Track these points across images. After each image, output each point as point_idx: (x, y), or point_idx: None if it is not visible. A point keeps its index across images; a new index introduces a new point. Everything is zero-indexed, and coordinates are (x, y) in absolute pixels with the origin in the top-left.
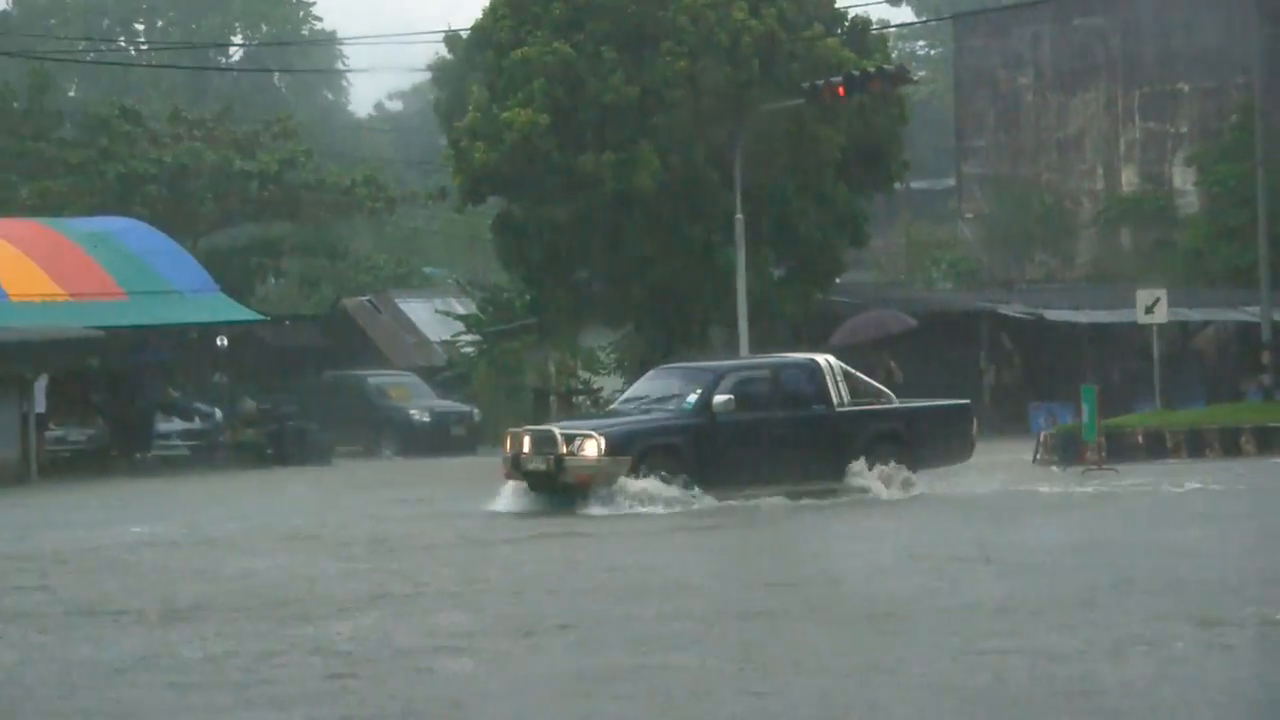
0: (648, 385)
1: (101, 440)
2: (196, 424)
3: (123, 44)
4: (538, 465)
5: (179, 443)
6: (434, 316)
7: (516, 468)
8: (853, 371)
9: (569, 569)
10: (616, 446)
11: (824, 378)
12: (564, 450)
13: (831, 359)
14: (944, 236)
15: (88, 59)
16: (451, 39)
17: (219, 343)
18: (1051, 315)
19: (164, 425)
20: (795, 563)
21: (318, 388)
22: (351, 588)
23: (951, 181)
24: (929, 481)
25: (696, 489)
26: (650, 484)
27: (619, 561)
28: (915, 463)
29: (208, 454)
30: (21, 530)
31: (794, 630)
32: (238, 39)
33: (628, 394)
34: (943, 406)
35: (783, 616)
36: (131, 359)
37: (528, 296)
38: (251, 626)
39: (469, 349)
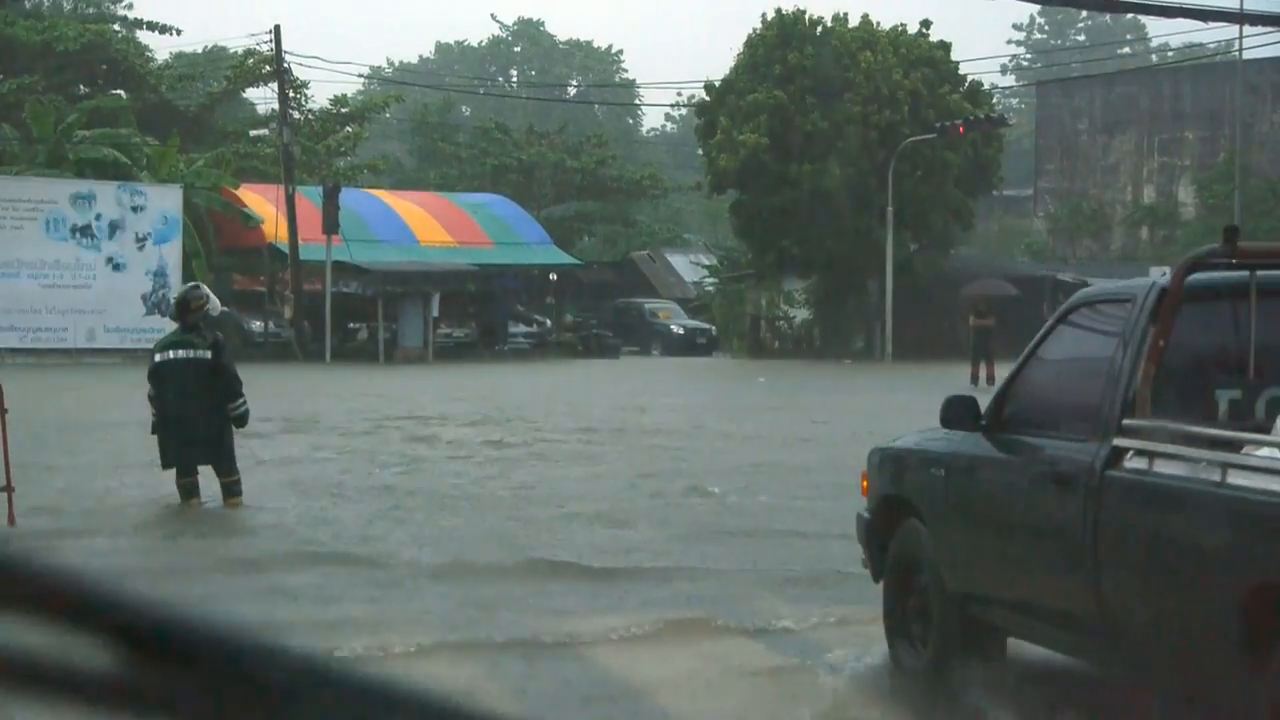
0: None
1: (473, 336)
2: (534, 329)
3: (499, 81)
4: None
5: (523, 340)
6: (689, 265)
7: None
8: None
9: None
10: None
11: None
12: None
13: None
14: (1023, 227)
15: (478, 91)
16: (709, 86)
17: (550, 277)
18: (1092, 281)
19: (513, 328)
20: None
21: (613, 309)
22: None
23: (1030, 191)
24: None
25: None
26: None
27: None
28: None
29: (541, 348)
30: (432, 386)
31: None
32: (573, 81)
33: None
34: None
35: None
36: (495, 285)
37: (750, 255)
38: None
39: (710, 287)
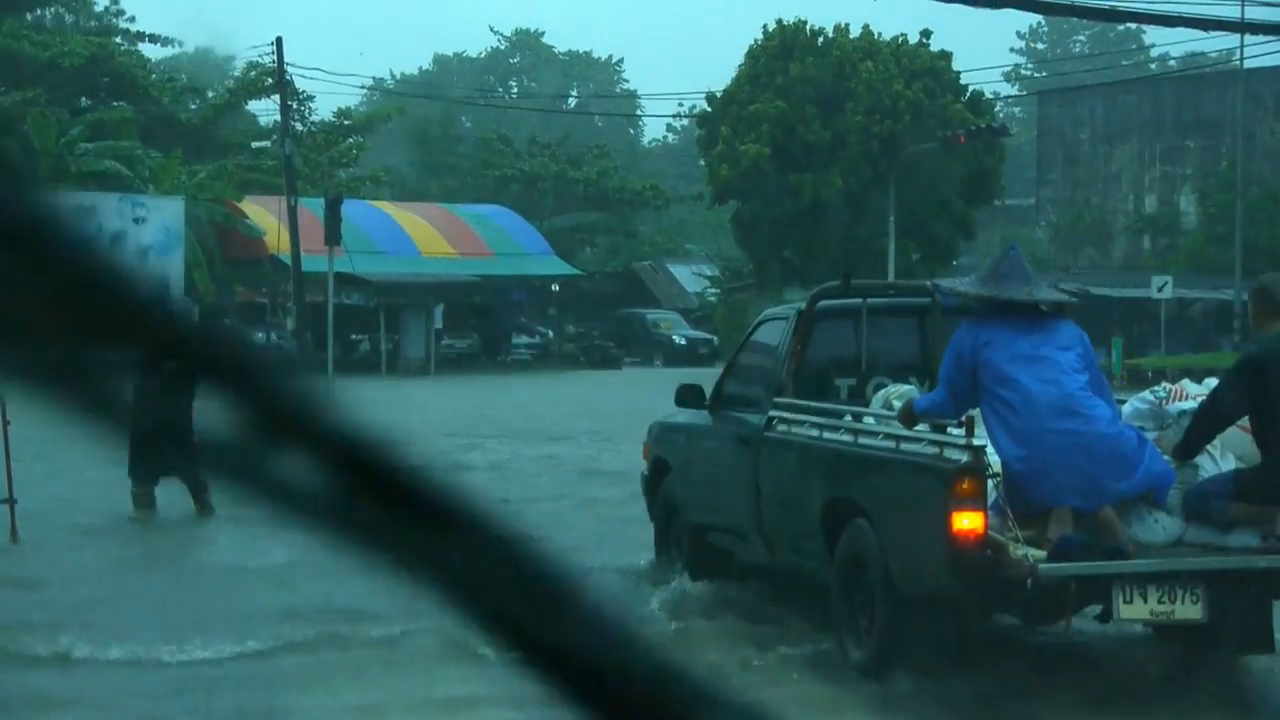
0: None
1: (476, 347)
2: (537, 339)
3: (500, 92)
4: None
5: (525, 351)
6: (691, 276)
7: None
8: None
9: None
10: None
11: None
12: None
13: None
14: (1025, 236)
15: (479, 103)
16: (710, 97)
17: (553, 288)
18: (1095, 290)
19: (516, 339)
20: None
21: (614, 320)
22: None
23: (1032, 200)
24: None
25: None
26: None
27: None
28: None
29: (543, 359)
30: (434, 398)
31: None
32: (574, 91)
33: None
34: None
35: None
36: (497, 296)
37: (752, 265)
38: None
39: (712, 298)
